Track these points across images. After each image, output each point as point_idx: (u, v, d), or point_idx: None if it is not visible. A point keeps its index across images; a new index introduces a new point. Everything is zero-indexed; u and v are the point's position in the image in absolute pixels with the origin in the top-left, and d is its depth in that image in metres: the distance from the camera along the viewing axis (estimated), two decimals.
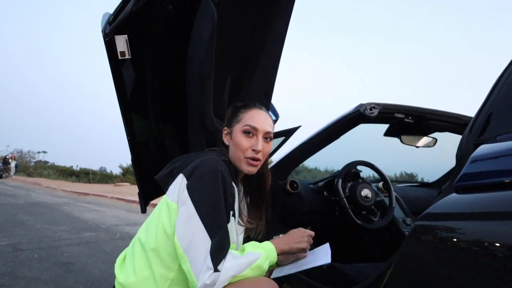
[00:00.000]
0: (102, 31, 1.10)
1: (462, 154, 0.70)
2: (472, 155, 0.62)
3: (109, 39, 1.10)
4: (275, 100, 1.74)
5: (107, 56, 1.16)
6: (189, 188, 0.88)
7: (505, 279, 0.44)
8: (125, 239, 4.02)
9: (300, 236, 1.06)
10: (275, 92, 1.43)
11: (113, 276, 1.00)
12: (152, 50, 1.23)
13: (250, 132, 0.98)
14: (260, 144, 0.98)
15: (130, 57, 1.17)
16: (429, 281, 0.55)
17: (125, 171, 18.76)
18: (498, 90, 0.76)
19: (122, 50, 1.14)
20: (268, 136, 1.01)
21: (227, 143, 1.04)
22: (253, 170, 1.00)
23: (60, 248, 3.47)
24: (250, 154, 0.98)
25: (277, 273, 1.13)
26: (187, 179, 0.90)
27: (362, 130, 1.76)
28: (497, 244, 0.46)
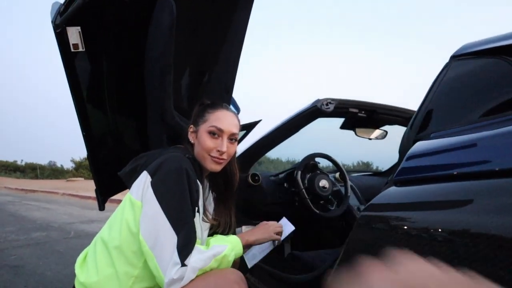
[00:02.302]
0: (52, 22, 1.02)
1: (404, 149, 0.78)
2: (409, 151, 0.70)
3: (60, 30, 1.03)
4: (237, 94, 1.76)
5: (58, 48, 1.09)
6: (154, 185, 0.88)
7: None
8: (81, 238, 3.83)
9: (266, 229, 1.13)
10: (238, 85, 1.45)
11: (68, 277, 0.97)
12: (108, 42, 1.18)
13: (215, 133, 1.00)
14: (225, 145, 1.00)
15: (84, 49, 1.12)
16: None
17: (78, 165, 17.66)
18: (435, 90, 0.85)
19: (75, 42, 1.08)
20: (233, 138, 1.03)
21: (192, 141, 1.05)
22: (217, 168, 1.02)
23: (6, 250, 3.21)
24: (214, 154, 1.00)
25: (251, 260, 1.18)
26: (151, 176, 0.90)
27: (322, 123, 1.86)
28: (431, 231, 0.54)
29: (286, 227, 1.22)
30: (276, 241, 1.19)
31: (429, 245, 0.52)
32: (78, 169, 17.64)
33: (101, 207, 1.63)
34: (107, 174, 1.51)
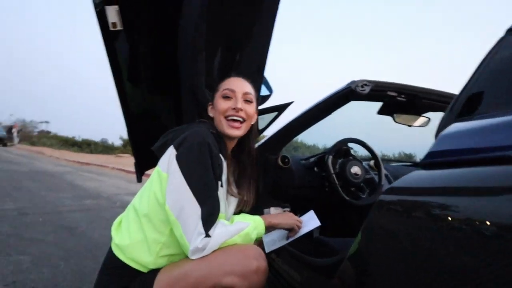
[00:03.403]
0: (92, 1, 1.09)
1: (440, 133, 0.72)
2: (442, 133, 0.64)
3: (100, 9, 1.09)
4: (270, 76, 1.74)
5: (99, 27, 1.16)
6: (178, 158, 0.91)
7: (453, 249, 0.48)
8: (124, 208, 4.11)
9: (290, 217, 1.15)
10: (271, 67, 1.43)
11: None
12: (144, 21, 1.22)
13: (228, 95, 1.03)
14: (239, 102, 1.02)
15: (122, 28, 1.17)
16: (387, 250, 0.60)
17: (126, 143, 18.92)
18: (483, 68, 0.76)
19: (114, 21, 1.13)
20: (247, 98, 1.05)
21: (211, 115, 1.08)
22: (235, 132, 1.03)
23: (62, 213, 3.60)
24: (230, 112, 1.02)
25: (270, 246, 1.20)
26: (176, 150, 0.93)
27: (362, 108, 1.77)
28: (449, 218, 0.50)
29: (312, 221, 1.20)
30: (290, 237, 1.18)
31: (447, 231, 0.49)
32: (125, 146, 18.93)
33: (139, 179, 1.75)
34: (145, 149, 1.60)
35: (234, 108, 1.01)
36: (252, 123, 1.10)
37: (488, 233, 0.45)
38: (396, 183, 0.62)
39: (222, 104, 1.03)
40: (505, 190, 0.47)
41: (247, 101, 1.04)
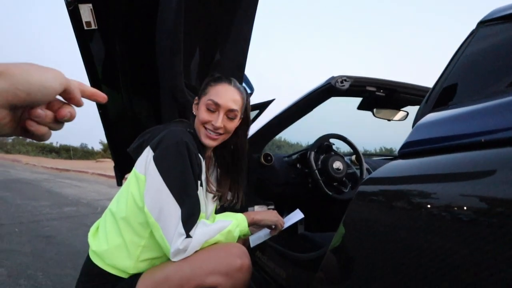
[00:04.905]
0: None
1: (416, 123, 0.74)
2: (417, 123, 0.66)
3: (73, 8, 1.05)
4: (250, 73, 1.74)
5: (72, 26, 1.12)
6: (156, 159, 0.90)
7: (431, 236, 0.49)
8: None
9: (273, 214, 1.15)
10: (251, 64, 1.43)
11: None
12: (119, 20, 1.19)
13: (211, 109, 0.98)
14: (219, 120, 0.97)
15: (96, 27, 1.14)
16: (368, 240, 0.61)
17: (106, 148, 18.48)
18: (457, 59, 0.79)
19: (88, 20, 1.10)
20: (230, 116, 1.00)
21: (194, 113, 1.05)
22: (210, 143, 1.00)
23: (40, 222, 3.47)
24: (209, 127, 0.99)
25: (255, 240, 1.21)
26: (153, 150, 0.91)
27: (342, 105, 1.79)
28: (428, 206, 0.51)
29: (296, 215, 1.22)
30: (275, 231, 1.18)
31: (431, 220, 0.50)
32: (106, 151, 18.48)
33: (119, 183, 1.71)
34: (124, 151, 1.56)
35: (213, 125, 0.98)
36: (235, 127, 1.05)
37: (464, 217, 0.47)
38: (374, 174, 0.63)
39: (203, 115, 0.98)
40: (477, 174, 0.49)
41: (230, 118, 1.00)
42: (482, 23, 0.77)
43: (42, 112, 0.35)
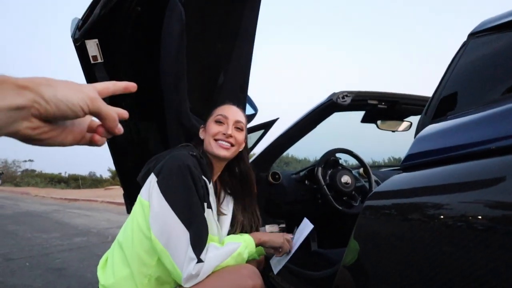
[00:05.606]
0: (71, 36, 1.10)
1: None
2: (418, 135, 0.66)
3: (80, 44, 1.10)
4: (253, 95, 1.77)
5: (79, 61, 1.16)
6: (159, 184, 0.91)
7: (436, 245, 0.49)
8: None
9: (280, 235, 1.15)
10: (254, 86, 1.46)
11: None
12: (124, 52, 1.24)
13: (221, 121, 1.07)
14: (230, 129, 1.05)
15: (102, 60, 1.18)
16: (378, 254, 0.60)
17: (115, 175, 18.57)
18: (451, 71, 0.81)
19: (94, 54, 1.15)
20: (238, 126, 1.08)
21: (202, 137, 1.10)
22: (225, 153, 1.05)
23: (51, 255, 3.45)
24: (220, 136, 1.05)
25: (277, 266, 1.19)
26: (157, 176, 0.93)
27: (350, 119, 1.80)
28: (431, 217, 0.51)
29: (305, 227, 1.21)
30: (297, 244, 1.17)
31: (437, 231, 0.50)
32: (114, 178, 18.57)
33: (129, 210, 1.71)
34: (133, 178, 1.58)
35: (224, 134, 1.05)
36: (241, 149, 1.13)
37: (464, 226, 0.47)
38: (378, 188, 0.64)
39: (214, 128, 1.06)
40: (478, 184, 0.49)
41: (238, 129, 1.09)
42: (473, 35, 0.80)
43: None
